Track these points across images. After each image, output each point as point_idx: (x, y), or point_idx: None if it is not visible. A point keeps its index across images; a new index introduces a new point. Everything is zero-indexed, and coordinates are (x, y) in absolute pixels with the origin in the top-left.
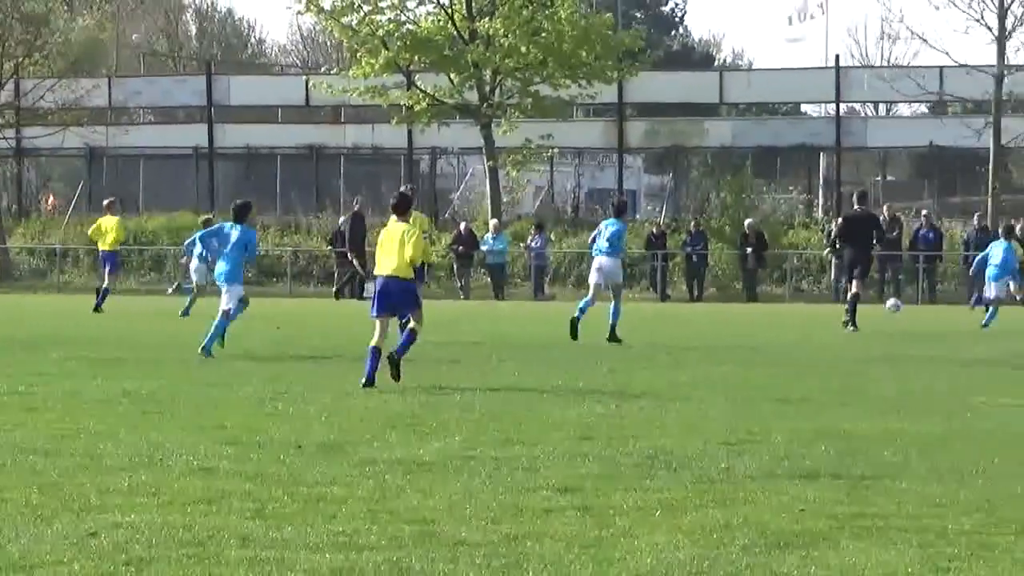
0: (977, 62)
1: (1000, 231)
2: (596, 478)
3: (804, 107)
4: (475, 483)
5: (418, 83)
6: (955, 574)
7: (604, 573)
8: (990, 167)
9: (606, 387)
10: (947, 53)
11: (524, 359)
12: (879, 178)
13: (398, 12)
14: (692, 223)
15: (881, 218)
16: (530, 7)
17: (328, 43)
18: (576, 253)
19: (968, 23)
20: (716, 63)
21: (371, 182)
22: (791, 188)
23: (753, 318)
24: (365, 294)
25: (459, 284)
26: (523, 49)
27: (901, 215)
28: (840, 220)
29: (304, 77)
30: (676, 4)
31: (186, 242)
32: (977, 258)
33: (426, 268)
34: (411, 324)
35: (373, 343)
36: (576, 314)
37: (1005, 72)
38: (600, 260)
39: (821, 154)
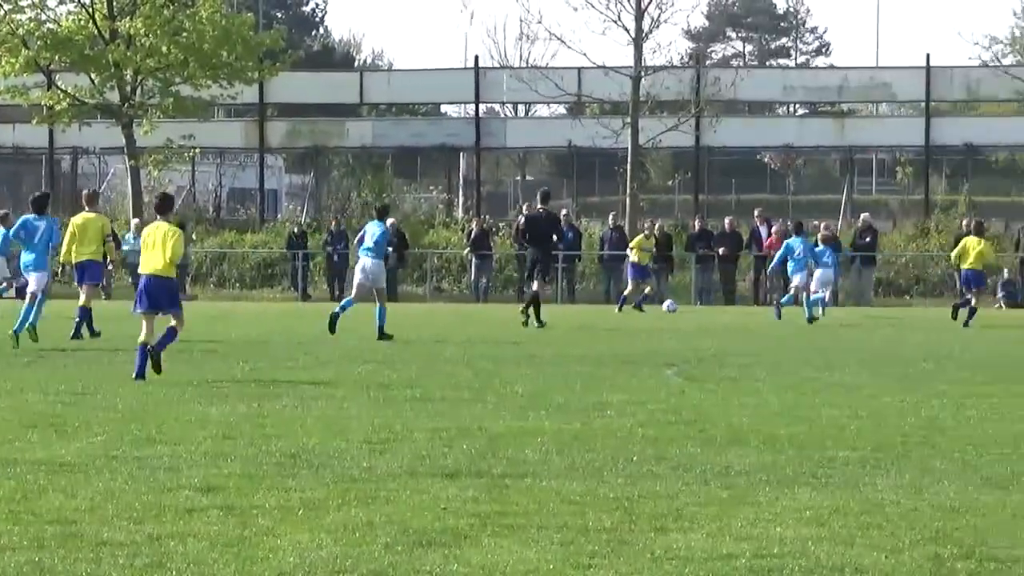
0: (615, 63)
1: (792, 228)
2: (238, 477)
3: (444, 107)
4: (117, 483)
5: (59, 83)
6: (596, 570)
7: (247, 572)
8: (628, 167)
9: (248, 386)
10: (585, 54)
11: (166, 358)
12: (519, 178)
13: (39, 11)
14: (333, 223)
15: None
16: (171, 7)
17: None
18: (217, 253)
19: (606, 24)
20: (356, 63)
21: (12, 182)
22: (432, 188)
23: (394, 317)
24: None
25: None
26: (164, 49)
27: None
28: (522, 219)
29: None
30: (317, 4)
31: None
32: (775, 259)
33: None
34: (172, 323)
35: (141, 339)
36: (337, 310)
37: (642, 73)
38: (365, 262)
39: (461, 154)
